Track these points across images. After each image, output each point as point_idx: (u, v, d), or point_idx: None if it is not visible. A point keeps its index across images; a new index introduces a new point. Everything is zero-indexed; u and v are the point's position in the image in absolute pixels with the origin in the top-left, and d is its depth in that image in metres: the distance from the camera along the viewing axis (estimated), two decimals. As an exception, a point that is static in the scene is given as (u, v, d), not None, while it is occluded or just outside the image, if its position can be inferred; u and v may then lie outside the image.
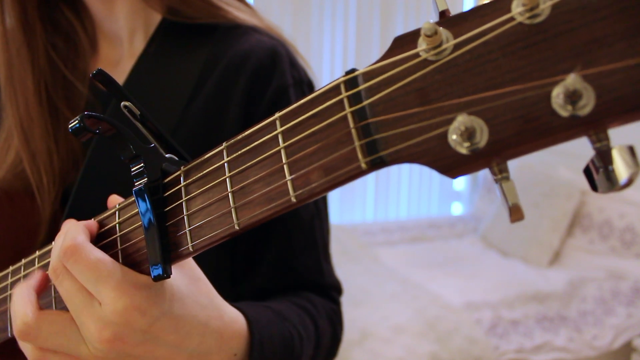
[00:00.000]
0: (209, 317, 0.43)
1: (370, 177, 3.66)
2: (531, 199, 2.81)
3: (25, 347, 0.44)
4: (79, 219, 0.46)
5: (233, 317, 0.47)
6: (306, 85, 0.69)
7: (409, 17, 3.52)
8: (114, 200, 0.46)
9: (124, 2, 0.67)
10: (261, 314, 0.53)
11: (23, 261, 0.51)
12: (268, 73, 0.65)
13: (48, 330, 0.41)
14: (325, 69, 3.43)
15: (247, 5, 0.73)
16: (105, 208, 0.46)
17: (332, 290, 0.70)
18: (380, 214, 3.68)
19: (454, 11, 0.28)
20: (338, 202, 3.55)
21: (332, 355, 0.68)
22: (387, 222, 3.50)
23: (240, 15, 0.69)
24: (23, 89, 0.65)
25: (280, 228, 0.65)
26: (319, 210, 0.68)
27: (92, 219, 0.45)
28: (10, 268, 0.53)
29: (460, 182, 3.89)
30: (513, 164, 2.85)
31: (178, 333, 0.40)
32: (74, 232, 0.41)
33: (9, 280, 0.53)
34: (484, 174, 3.50)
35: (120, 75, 0.67)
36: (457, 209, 3.95)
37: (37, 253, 0.50)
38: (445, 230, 3.36)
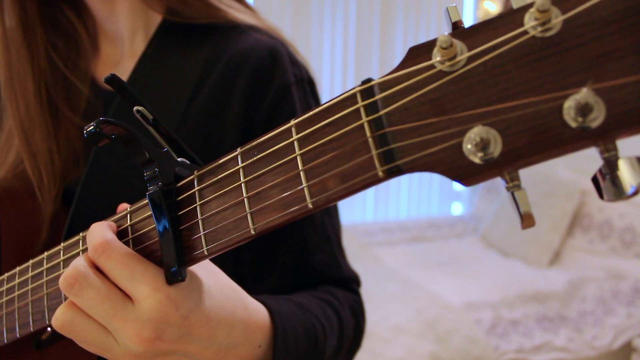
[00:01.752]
0: (234, 307, 0.44)
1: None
2: (531, 199, 2.80)
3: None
4: (84, 217, 0.46)
5: (256, 307, 0.47)
6: (307, 82, 0.69)
7: (409, 18, 3.53)
8: (123, 208, 0.46)
9: (125, 2, 0.67)
10: (283, 305, 0.53)
11: (30, 262, 0.51)
12: (269, 72, 0.64)
13: (81, 328, 0.41)
14: (325, 69, 3.44)
15: (246, 6, 0.73)
16: (110, 206, 0.46)
17: (351, 282, 0.70)
18: (380, 214, 3.68)
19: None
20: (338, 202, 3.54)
21: (356, 345, 0.68)
22: (387, 222, 3.51)
23: (240, 15, 0.69)
24: (23, 90, 0.66)
25: (292, 228, 0.65)
26: (327, 207, 0.69)
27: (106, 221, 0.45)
28: (18, 269, 0.53)
29: (460, 182, 3.90)
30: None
31: (209, 325, 0.41)
32: (100, 230, 0.41)
33: (17, 281, 0.53)
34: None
35: (121, 75, 0.67)
36: (457, 209, 3.96)
37: (45, 254, 0.50)
38: (445, 230, 3.37)
